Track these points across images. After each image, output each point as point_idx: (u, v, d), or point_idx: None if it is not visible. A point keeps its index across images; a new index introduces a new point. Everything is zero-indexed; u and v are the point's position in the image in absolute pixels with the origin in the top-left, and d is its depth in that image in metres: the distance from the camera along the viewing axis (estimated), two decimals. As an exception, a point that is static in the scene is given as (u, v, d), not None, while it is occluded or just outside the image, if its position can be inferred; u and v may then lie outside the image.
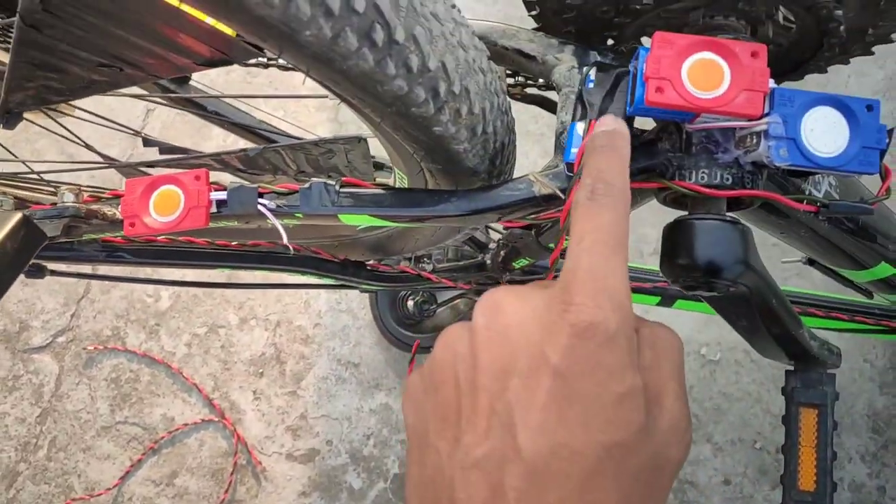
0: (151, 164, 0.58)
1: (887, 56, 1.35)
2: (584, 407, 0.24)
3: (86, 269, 1.10)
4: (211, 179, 0.48)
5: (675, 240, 0.42)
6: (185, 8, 0.34)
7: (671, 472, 0.27)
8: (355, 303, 1.34)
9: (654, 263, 1.24)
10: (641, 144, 0.44)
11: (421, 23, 0.33)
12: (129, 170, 0.70)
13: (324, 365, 1.31)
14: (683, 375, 0.28)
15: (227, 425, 1.27)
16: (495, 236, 1.02)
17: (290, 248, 0.54)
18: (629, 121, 0.41)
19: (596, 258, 0.26)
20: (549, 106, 0.55)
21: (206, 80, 0.85)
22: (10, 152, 0.65)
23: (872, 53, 0.47)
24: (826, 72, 0.49)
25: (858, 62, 0.50)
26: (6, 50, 0.58)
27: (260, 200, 0.48)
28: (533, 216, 0.47)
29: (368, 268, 0.86)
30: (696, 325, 1.36)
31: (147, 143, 0.65)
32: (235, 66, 1.47)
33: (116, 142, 1.35)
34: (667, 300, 1.06)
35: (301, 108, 1.44)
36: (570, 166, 0.43)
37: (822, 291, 0.97)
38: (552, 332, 0.25)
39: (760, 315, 0.46)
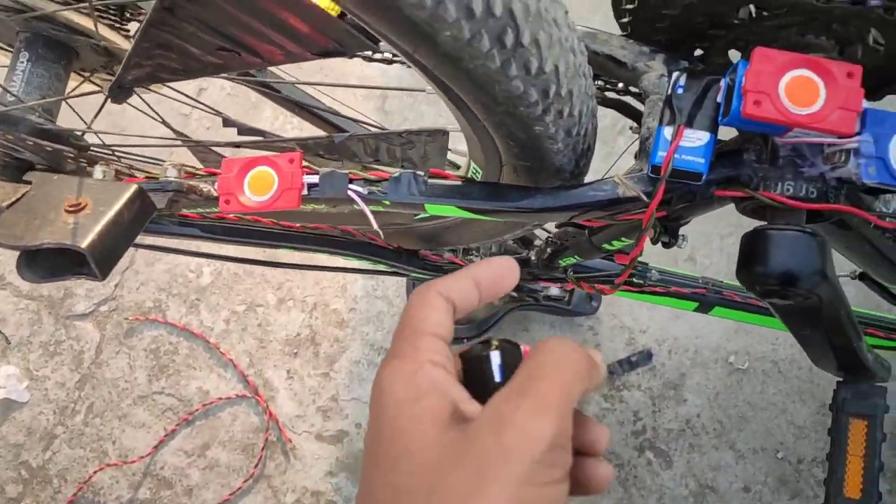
0: (237, 145, 0.60)
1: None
2: None
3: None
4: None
5: (754, 248, 0.44)
6: None
7: None
8: (391, 290, 1.37)
9: (686, 269, 1.25)
10: (725, 154, 0.45)
11: (544, 27, 0.35)
12: (203, 150, 0.72)
13: (357, 349, 1.34)
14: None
15: (259, 402, 1.30)
16: (542, 234, 1.04)
17: (380, 234, 0.55)
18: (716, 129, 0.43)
19: None
20: (626, 110, 0.56)
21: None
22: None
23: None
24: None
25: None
26: (122, 31, 0.61)
27: (350, 186, 0.51)
28: (611, 217, 0.49)
29: (420, 256, 0.88)
30: (725, 332, 1.37)
31: (227, 123, 0.67)
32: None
33: (180, 123, 1.37)
34: (704, 307, 1.07)
35: (348, 96, 1.46)
36: (656, 169, 0.45)
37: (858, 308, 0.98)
38: None
39: (827, 326, 0.48)
